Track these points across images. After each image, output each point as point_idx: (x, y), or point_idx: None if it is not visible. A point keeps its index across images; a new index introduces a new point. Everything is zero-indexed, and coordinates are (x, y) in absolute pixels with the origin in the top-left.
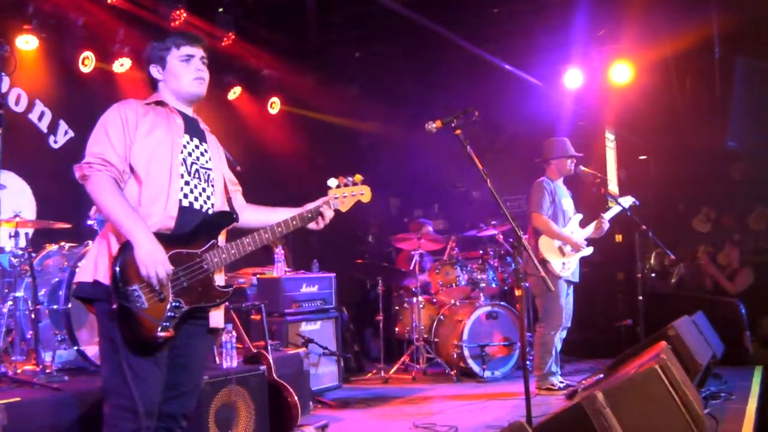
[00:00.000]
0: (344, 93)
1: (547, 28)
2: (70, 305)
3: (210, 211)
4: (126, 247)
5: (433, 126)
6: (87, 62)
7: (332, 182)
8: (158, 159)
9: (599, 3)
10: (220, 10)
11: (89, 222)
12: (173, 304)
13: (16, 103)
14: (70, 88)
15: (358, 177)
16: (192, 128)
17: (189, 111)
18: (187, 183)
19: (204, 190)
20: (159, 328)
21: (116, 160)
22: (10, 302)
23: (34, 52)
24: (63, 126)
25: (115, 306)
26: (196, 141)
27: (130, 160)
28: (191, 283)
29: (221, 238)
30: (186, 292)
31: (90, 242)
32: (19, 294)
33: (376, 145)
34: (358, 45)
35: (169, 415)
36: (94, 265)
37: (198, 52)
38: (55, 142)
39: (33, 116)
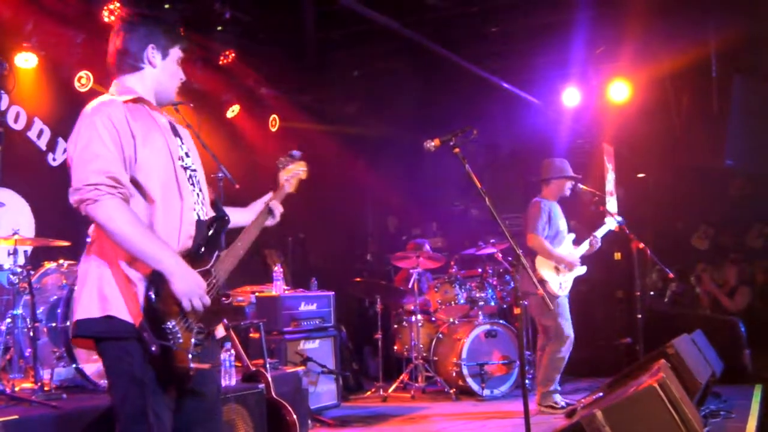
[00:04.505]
0: (343, 111)
1: (545, 47)
2: (68, 323)
3: (203, 218)
4: (155, 280)
5: (431, 144)
6: (83, 80)
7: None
8: (164, 170)
9: (597, 22)
10: (219, 28)
11: (88, 240)
12: (196, 330)
13: (15, 120)
14: (69, 106)
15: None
16: (171, 127)
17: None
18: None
19: (199, 195)
20: (190, 360)
21: (124, 177)
22: (8, 320)
23: (33, 70)
24: (62, 144)
25: (154, 348)
26: (178, 141)
27: (135, 175)
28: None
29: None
30: (205, 315)
31: None
32: (18, 312)
33: (375, 163)
34: (356, 64)
35: None
36: (100, 297)
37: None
38: (54, 159)
39: (32, 134)
